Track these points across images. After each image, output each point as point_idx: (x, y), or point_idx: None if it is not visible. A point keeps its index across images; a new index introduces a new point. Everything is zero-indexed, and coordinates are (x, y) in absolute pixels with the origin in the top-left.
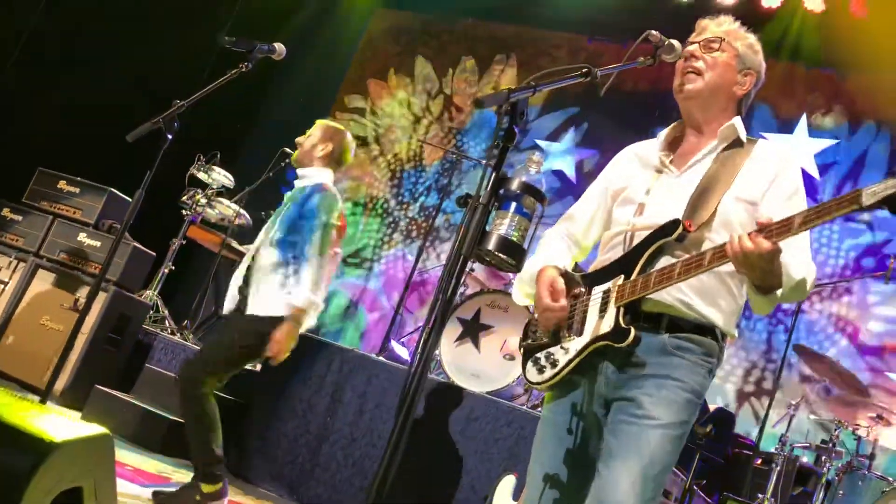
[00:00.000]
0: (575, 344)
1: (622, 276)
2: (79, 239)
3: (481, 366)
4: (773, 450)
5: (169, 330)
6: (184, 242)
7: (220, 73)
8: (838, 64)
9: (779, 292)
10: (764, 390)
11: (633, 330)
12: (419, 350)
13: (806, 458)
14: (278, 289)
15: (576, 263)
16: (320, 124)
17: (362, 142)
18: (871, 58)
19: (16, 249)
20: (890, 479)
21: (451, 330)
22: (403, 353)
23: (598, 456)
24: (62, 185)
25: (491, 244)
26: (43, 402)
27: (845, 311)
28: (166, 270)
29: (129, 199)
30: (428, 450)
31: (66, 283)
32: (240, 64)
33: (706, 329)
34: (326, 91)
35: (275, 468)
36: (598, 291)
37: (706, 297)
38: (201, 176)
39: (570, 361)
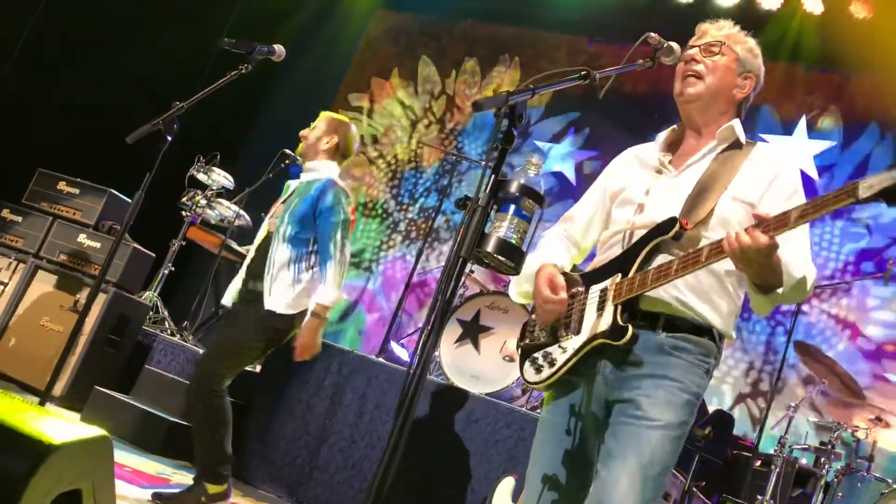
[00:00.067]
0: (573, 343)
1: (619, 275)
2: (78, 240)
3: (481, 367)
4: (772, 451)
5: (169, 331)
6: (183, 243)
7: (220, 73)
8: (838, 66)
9: (779, 291)
10: (763, 392)
11: (630, 327)
12: (418, 352)
13: (805, 460)
14: (291, 285)
15: (574, 265)
16: (325, 116)
17: (361, 142)
18: (871, 59)
19: (15, 250)
20: (889, 480)
21: (451, 331)
22: (403, 354)
23: (596, 457)
24: (62, 186)
25: (490, 246)
26: (42, 403)
27: (844, 313)
28: (166, 271)
29: (129, 201)
30: (427, 451)
31: (65, 284)
32: (239, 65)
33: (703, 329)
34: (326, 92)
35: (274, 469)
36: (595, 290)
37: (704, 296)
38: (201, 177)
39: (567, 360)
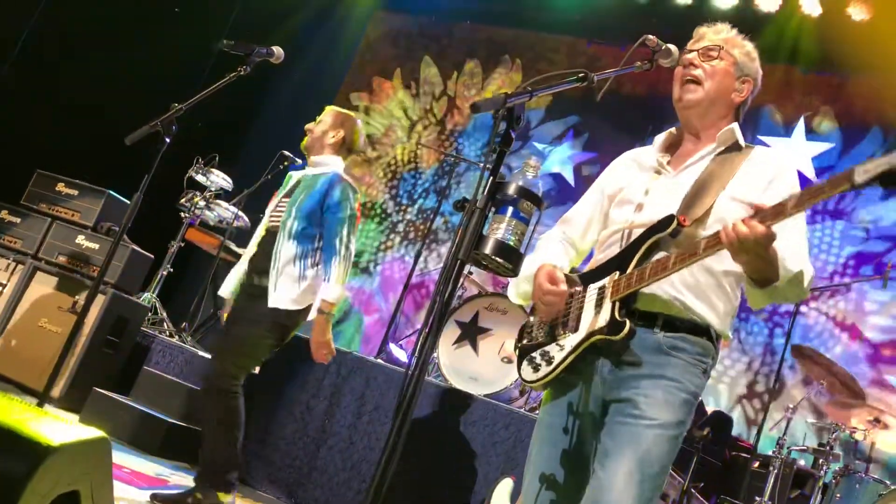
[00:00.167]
0: (571, 340)
1: (617, 272)
2: (77, 241)
3: (479, 369)
4: (770, 453)
5: (167, 332)
6: (182, 245)
7: (220, 74)
8: (836, 67)
9: (776, 284)
10: (761, 393)
11: (628, 322)
12: (416, 353)
13: (803, 462)
14: (297, 281)
15: (573, 268)
16: (331, 110)
17: None
18: (870, 61)
19: (14, 251)
20: (887, 482)
21: (450, 333)
22: (402, 355)
23: (594, 457)
24: (61, 187)
25: (488, 248)
26: (41, 404)
27: (842, 316)
28: (165, 273)
29: (128, 202)
30: (426, 453)
31: (64, 285)
32: (238, 67)
33: (701, 329)
34: (325, 94)
35: (273, 471)
36: (593, 288)
37: (702, 296)
38: (200, 178)
39: (565, 358)
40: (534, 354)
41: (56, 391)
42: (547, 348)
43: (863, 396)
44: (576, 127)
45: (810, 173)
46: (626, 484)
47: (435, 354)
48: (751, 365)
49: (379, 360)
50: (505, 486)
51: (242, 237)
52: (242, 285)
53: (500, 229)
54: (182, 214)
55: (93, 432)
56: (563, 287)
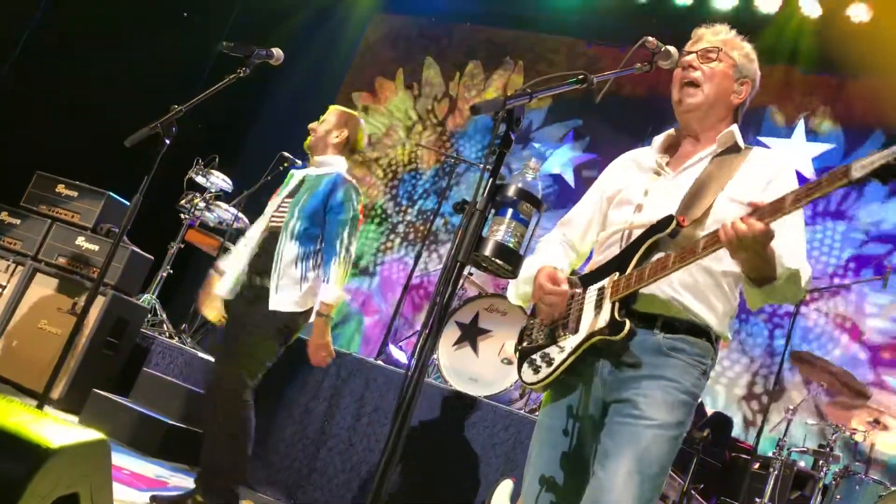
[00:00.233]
0: (571, 341)
1: (617, 273)
2: (77, 243)
3: (479, 370)
4: (770, 454)
5: (167, 334)
6: (182, 246)
7: (220, 75)
8: (836, 68)
9: (774, 283)
10: (762, 394)
11: (628, 322)
12: (416, 356)
13: (803, 463)
14: (299, 283)
15: (573, 270)
16: (334, 110)
17: None
18: (870, 63)
19: (14, 253)
20: (887, 483)
21: (450, 334)
22: (401, 356)
23: (594, 458)
24: (60, 188)
25: (487, 250)
26: (40, 406)
27: (842, 317)
28: (164, 274)
29: (128, 203)
30: (425, 454)
31: (64, 286)
32: (238, 69)
33: (700, 330)
34: (324, 95)
35: (272, 472)
36: (593, 289)
37: (701, 297)
38: (199, 180)
39: (566, 359)
40: (534, 356)
41: (56, 392)
42: (547, 350)
43: (866, 394)
44: (576, 128)
45: (810, 174)
46: (626, 484)
47: (435, 356)
48: (751, 366)
49: (378, 362)
50: (505, 488)
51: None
52: (242, 286)
53: (499, 231)
54: (182, 216)
55: (92, 434)
56: (565, 287)
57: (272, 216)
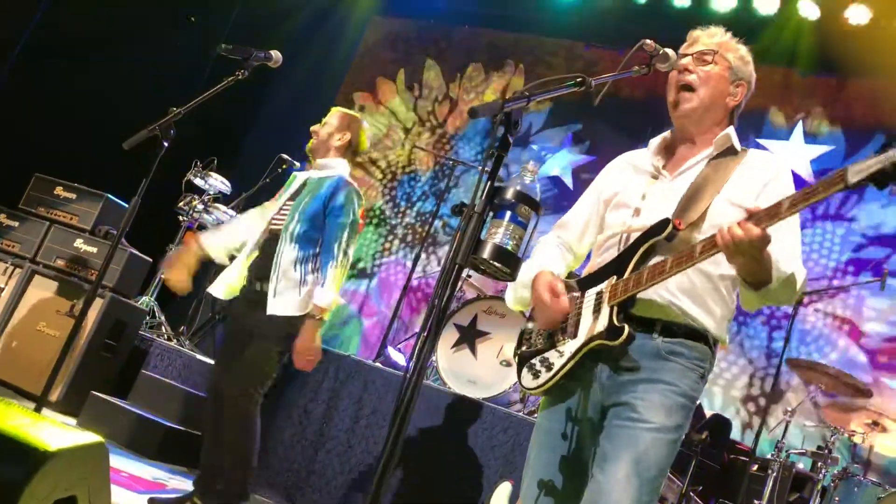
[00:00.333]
0: (570, 346)
1: (615, 277)
2: (75, 245)
3: (478, 372)
4: (769, 456)
5: (165, 336)
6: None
7: (220, 77)
8: (835, 70)
9: (769, 286)
10: (761, 396)
11: (626, 327)
12: (414, 358)
13: (802, 465)
14: (298, 286)
15: (570, 272)
16: (337, 112)
17: None
18: (869, 64)
19: (12, 255)
20: (885, 485)
21: (448, 336)
22: (400, 359)
23: (593, 461)
24: (59, 190)
25: (486, 253)
26: (38, 408)
27: (840, 321)
28: (163, 276)
29: (126, 205)
30: (424, 457)
31: (62, 289)
32: (236, 71)
33: (698, 334)
34: (323, 97)
35: (271, 475)
36: (591, 293)
37: (699, 301)
38: (198, 182)
39: (565, 364)
40: (533, 361)
41: (54, 395)
42: (546, 355)
43: (867, 392)
44: (575, 130)
45: (807, 175)
46: (625, 488)
47: (434, 358)
48: (750, 368)
49: (377, 364)
50: (504, 490)
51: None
52: (243, 290)
53: (498, 234)
54: (180, 218)
55: (90, 437)
56: (564, 299)
57: (273, 219)
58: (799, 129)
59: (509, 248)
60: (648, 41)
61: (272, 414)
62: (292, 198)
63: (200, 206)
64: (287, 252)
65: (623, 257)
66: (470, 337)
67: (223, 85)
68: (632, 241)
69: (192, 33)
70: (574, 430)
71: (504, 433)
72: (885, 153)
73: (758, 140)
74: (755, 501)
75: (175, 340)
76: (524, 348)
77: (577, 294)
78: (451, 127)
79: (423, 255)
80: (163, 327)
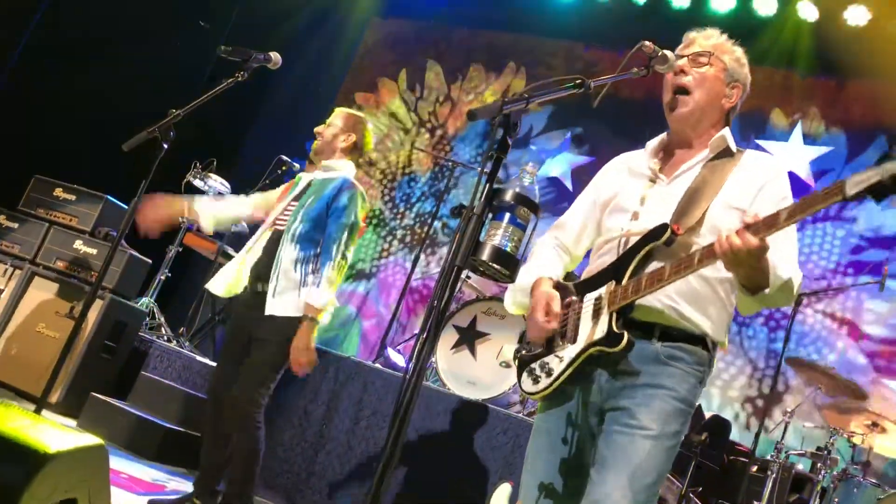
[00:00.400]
0: (569, 352)
1: (613, 282)
2: (75, 246)
3: (477, 373)
4: (768, 457)
5: (165, 337)
6: (180, 250)
7: (219, 78)
8: (834, 72)
9: (766, 291)
10: (760, 397)
11: (626, 334)
12: (413, 360)
13: (801, 466)
14: (297, 287)
15: (569, 273)
16: (341, 113)
17: None
18: (868, 66)
19: (12, 257)
20: (884, 486)
21: (448, 337)
22: (399, 360)
23: (591, 465)
24: (58, 192)
25: (485, 255)
26: (38, 410)
27: (840, 323)
28: (162, 277)
29: (126, 207)
30: (423, 458)
31: (62, 290)
32: (236, 73)
33: (697, 338)
34: (323, 98)
35: (271, 477)
36: (590, 298)
37: (697, 305)
38: (197, 183)
39: (564, 370)
40: (533, 366)
41: (54, 396)
42: (546, 359)
43: (864, 396)
44: (574, 131)
45: (806, 175)
46: (622, 494)
47: (433, 359)
48: (750, 369)
49: (377, 365)
50: (503, 491)
51: (240, 242)
52: (245, 291)
53: (497, 235)
54: (180, 219)
55: (90, 439)
56: (555, 325)
57: (276, 219)
58: (798, 131)
59: (508, 249)
60: (647, 43)
61: (272, 415)
62: (296, 198)
63: None
64: (288, 252)
65: (621, 262)
66: (469, 338)
67: (222, 87)
68: (630, 245)
69: (192, 34)
70: (573, 433)
71: (504, 434)
72: (883, 165)
73: (757, 141)
74: (754, 502)
75: (175, 342)
76: (524, 352)
77: (575, 298)
78: (451, 128)
79: (423, 257)
80: (162, 328)
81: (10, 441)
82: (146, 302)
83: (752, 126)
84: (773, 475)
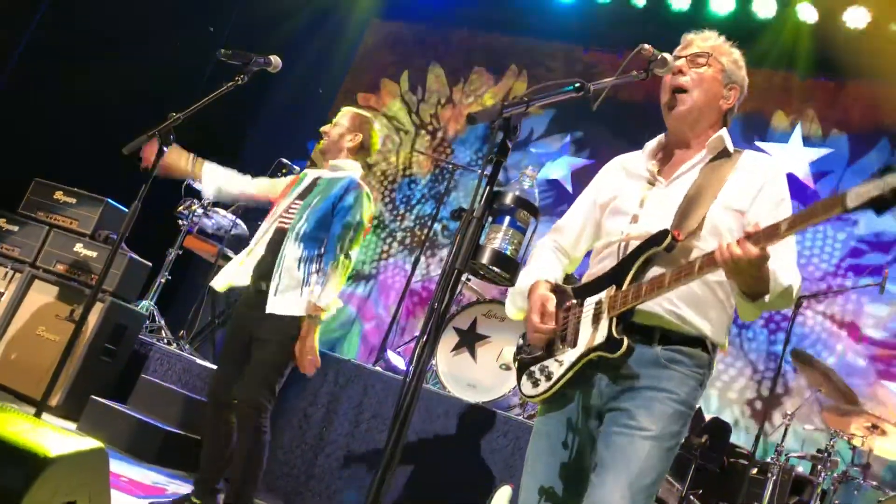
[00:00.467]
0: (569, 356)
1: (613, 287)
2: (75, 249)
3: (477, 376)
4: (769, 459)
5: (165, 340)
6: (180, 252)
7: (219, 81)
8: (833, 73)
9: (766, 298)
10: (760, 399)
11: (626, 340)
12: (413, 363)
13: (801, 468)
14: (300, 287)
15: (568, 275)
16: (347, 112)
17: None
18: (868, 67)
19: (12, 260)
20: (885, 488)
21: (448, 340)
22: (399, 362)
23: (591, 467)
24: (58, 195)
25: (485, 258)
26: (38, 413)
27: (840, 325)
28: (162, 280)
29: (126, 210)
30: (424, 461)
31: (62, 293)
32: (236, 76)
33: (697, 341)
34: (323, 100)
35: (271, 479)
36: (590, 302)
37: (697, 308)
38: (197, 186)
39: (564, 374)
40: (533, 369)
41: (54, 400)
42: (546, 363)
43: (855, 401)
44: (574, 135)
45: (807, 179)
46: (621, 496)
47: (433, 361)
48: (750, 371)
49: (377, 368)
50: (504, 494)
51: (240, 244)
52: (248, 289)
53: (496, 239)
54: (180, 222)
55: (90, 443)
56: (551, 325)
57: (280, 217)
58: (798, 132)
59: (508, 253)
60: (647, 46)
61: (271, 418)
62: (301, 196)
63: (200, 211)
64: (292, 250)
65: (622, 267)
66: (469, 340)
67: (222, 90)
68: (630, 249)
69: (192, 35)
70: (573, 436)
71: (504, 437)
72: (885, 178)
73: (757, 143)
74: None
75: (175, 344)
76: (524, 355)
77: (575, 302)
78: (451, 131)
79: (423, 259)
80: (163, 331)
81: (10, 445)
82: (146, 305)
83: (755, 128)
84: (774, 477)
